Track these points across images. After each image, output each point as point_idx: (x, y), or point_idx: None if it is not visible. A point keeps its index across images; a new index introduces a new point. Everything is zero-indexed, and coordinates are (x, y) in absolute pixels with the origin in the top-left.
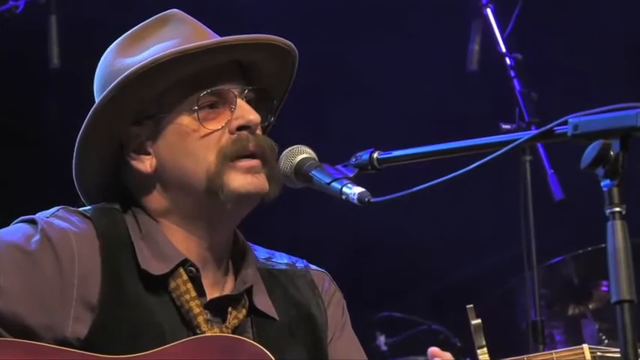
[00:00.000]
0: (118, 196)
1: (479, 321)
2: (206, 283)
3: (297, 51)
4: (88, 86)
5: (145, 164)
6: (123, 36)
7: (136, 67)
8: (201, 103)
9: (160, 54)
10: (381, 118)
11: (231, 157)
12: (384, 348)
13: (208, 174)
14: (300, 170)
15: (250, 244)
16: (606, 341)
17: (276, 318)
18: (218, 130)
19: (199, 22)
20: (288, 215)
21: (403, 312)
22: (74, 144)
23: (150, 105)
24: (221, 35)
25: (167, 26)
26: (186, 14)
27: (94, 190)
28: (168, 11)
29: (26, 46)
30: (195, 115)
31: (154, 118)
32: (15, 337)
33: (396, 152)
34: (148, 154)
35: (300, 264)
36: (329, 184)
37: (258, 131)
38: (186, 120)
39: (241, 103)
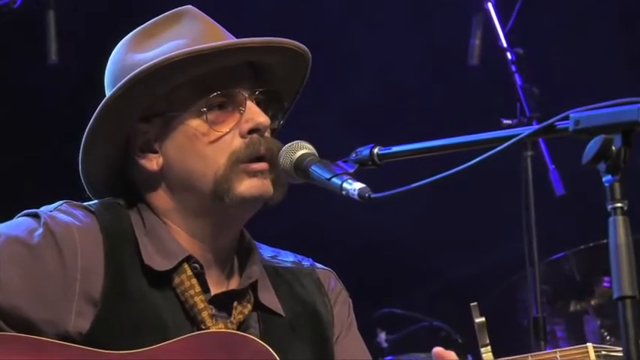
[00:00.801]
0: (124, 192)
1: (482, 319)
2: (210, 279)
3: (310, 54)
4: (87, 82)
5: (152, 162)
6: (135, 30)
7: (146, 65)
8: (210, 104)
9: (173, 53)
10: (381, 114)
11: (242, 160)
12: (385, 345)
13: (216, 177)
14: (300, 166)
15: (256, 243)
16: (608, 337)
17: (282, 314)
18: (228, 132)
19: (213, 20)
20: (288, 212)
21: (404, 308)
22: (74, 140)
23: (159, 103)
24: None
25: (180, 23)
26: (199, 11)
27: (101, 185)
28: (182, 7)
29: (24, 41)
30: (204, 117)
31: (163, 117)
32: (17, 332)
33: (396, 147)
34: (155, 152)
35: (306, 262)
36: (329, 179)
37: (267, 133)
38: (195, 122)
39: (251, 106)
